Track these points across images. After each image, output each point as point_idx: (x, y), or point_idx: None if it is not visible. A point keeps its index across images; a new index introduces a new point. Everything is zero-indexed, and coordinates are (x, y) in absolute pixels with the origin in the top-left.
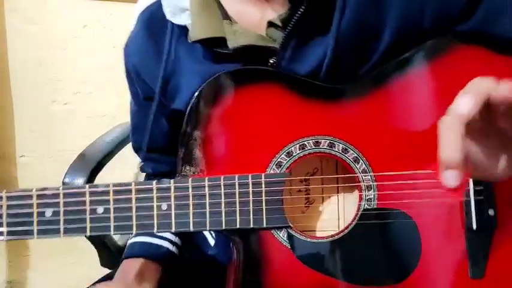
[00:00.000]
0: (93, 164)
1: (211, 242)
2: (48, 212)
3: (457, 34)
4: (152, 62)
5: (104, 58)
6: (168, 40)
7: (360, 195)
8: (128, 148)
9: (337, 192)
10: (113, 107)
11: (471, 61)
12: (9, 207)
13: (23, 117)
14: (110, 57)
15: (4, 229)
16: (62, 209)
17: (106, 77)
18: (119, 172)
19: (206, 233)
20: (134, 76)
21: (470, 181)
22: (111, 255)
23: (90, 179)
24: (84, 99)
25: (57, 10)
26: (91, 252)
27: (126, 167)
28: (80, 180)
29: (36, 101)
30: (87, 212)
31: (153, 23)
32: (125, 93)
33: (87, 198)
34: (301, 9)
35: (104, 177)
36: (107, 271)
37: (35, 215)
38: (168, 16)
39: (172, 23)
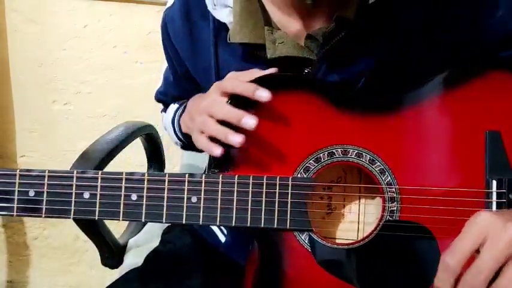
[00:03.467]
0: (95, 162)
1: (222, 238)
2: (86, 194)
3: (496, 59)
4: (185, 45)
5: (104, 58)
6: (212, 32)
7: (383, 207)
8: (132, 147)
9: (359, 202)
10: (113, 107)
11: (504, 88)
12: (49, 186)
13: (23, 117)
14: (110, 57)
15: (43, 207)
16: (98, 192)
17: (106, 77)
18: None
19: (217, 230)
20: (172, 53)
21: (494, 204)
22: (112, 254)
23: None
24: (84, 99)
25: (57, 10)
26: (91, 252)
27: (129, 166)
28: None
29: (36, 101)
30: (122, 198)
31: (192, 7)
32: (125, 93)
33: (123, 184)
34: (344, 32)
35: None
36: (107, 270)
37: (73, 195)
38: (210, 7)
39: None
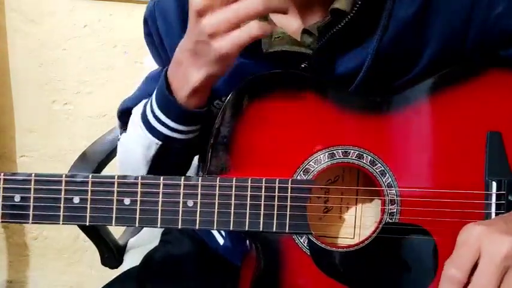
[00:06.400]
0: (95, 163)
1: (221, 241)
2: (76, 199)
3: (496, 58)
4: (178, 39)
5: (104, 58)
6: None
7: (383, 209)
8: None
9: (356, 202)
10: (113, 107)
11: (503, 86)
12: (36, 190)
13: (23, 117)
14: (110, 57)
15: (30, 213)
16: (89, 197)
17: (106, 77)
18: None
19: (215, 233)
20: (158, 44)
21: (493, 205)
22: (112, 254)
23: None
24: (84, 99)
25: (57, 10)
26: (91, 252)
27: None
28: None
29: (36, 101)
30: (114, 202)
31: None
32: (125, 93)
33: (116, 189)
34: (341, 24)
35: None
36: (107, 270)
37: (62, 200)
38: None
39: None
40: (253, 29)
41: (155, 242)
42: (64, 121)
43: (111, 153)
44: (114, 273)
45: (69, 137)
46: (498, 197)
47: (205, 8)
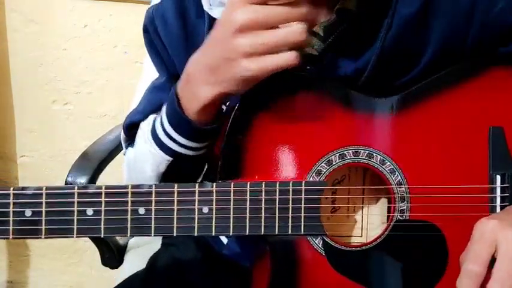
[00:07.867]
0: (96, 162)
1: (224, 240)
2: (89, 211)
3: (495, 55)
4: (179, 45)
5: (104, 58)
6: (207, 30)
7: (394, 207)
8: None
9: (363, 201)
10: (113, 107)
11: (504, 84)
12: (48, 204)
13: (23, 117)
14: (110, 57)
15: (43, 227)
16: (103, 208)
17: (106, 77)
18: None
19: None
20: (162, 50)
21: (498, 198)
22: (112, 254)
23: (93, 178)
24: (84, 99)
25: (57, 10)
26: (91, 252)
27: None
28: (83, 180)
29: (36, 101)
30: (129, 213)
31: (188, 5)
32: (125, 93)
33: (129, 198)
34: (345, 24)
35: (108, 176)
36: (107, 270)
37: (75, 213)
38: (206, 7)
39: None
40: (291, 59)
41: (155, 242)
42: (64, 121)
43: (112, 153)
44: (115, 273)
45: (69, 137)
46: (502, 190)
47: (248, 26)
